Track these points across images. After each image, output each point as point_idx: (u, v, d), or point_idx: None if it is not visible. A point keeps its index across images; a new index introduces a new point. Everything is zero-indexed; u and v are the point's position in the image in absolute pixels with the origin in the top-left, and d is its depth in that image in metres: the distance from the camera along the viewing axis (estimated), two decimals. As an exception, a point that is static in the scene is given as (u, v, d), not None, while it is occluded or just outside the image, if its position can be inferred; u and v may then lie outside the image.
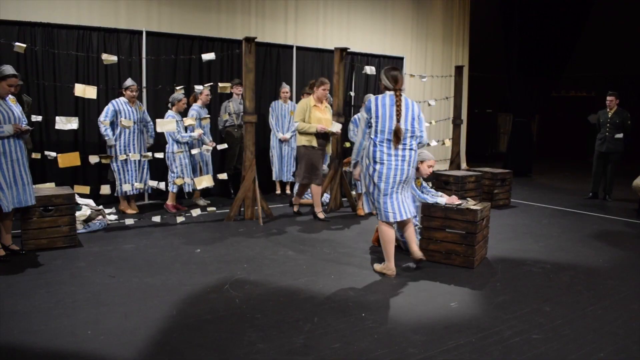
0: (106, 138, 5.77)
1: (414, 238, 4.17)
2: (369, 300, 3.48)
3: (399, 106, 3.85)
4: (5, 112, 4.12)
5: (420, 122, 3.98)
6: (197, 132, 6.27)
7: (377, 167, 3.88)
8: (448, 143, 8.53)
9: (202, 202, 6.76)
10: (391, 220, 3.97)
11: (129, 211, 6.03)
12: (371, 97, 4.01)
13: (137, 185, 5.89)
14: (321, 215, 5.99)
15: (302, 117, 5.80)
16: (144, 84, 6.69)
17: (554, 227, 5.91)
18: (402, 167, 3.90)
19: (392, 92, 3.92)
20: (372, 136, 3.90)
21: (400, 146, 3.88)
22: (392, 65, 8.96)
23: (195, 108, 6.43)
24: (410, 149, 3.93)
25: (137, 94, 5.99)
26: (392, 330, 3.01)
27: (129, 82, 5.90)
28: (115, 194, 5.95)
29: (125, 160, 5.80)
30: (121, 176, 5.86)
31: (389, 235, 4.01)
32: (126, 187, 5.81)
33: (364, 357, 2.68)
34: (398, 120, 3.84)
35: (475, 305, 3.45)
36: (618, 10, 12.72)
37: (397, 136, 3.82)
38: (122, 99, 5.86)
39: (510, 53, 10.94)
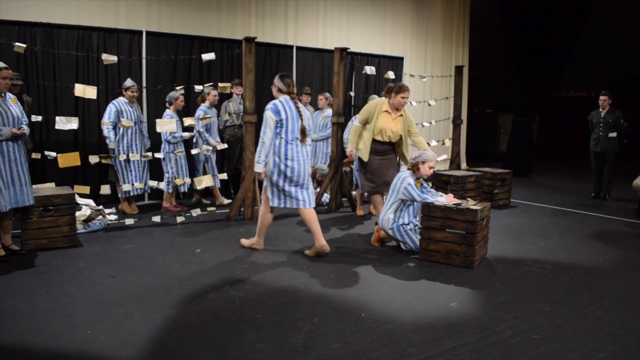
0: (108, 141, 5.76)
1: (319, 229, 4.49)
2: (369, 300, 3.47)
3: (298, 108, 4.33)
4: (4, 112, 4.11)
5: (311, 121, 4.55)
6: (188, 134, 6.28)
7: (289, 163, 4.29)
8: (448, 143, 8.53)
9: (223, 200, 6.77)
10: (301, 207, 4.42)
11: (129, 211, 6.02)
12: (276, 101, 4.33)
13: (138, 185, 5.89)
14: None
15: (364, 117, 5.20)
16: (144, 84, 6.69)
17: (554, 227, 5.91)
18: (306, 162, 4.40)
19: (287, 96, 4.36)
20: (283, 136, 4.27)
21: (305, 143, 4.37)
22: (392, 65, 9.01)
23: (203, 108, 6.44)
24: (309, 146, 4.45)
25: (137, 94, 6.00)
26: (392, 330, 3.01)
27: (129, 82, 5.90)
28: (119, 195, 5.95)
29: (128, 160, 5.80)
30: (124, 176, 5.86)
31: (269, 219, 4.57)
32: (126, 187, 5.81)
33: (364, 357, 2.68)
34: (302, 120, 4.30)
35: (475, 305, 3.45)
36: (618, 10, 12.72)
37: (304, 134, 4.31)
38: (122, 99, 5.86)
39: (510, 53, 10.94)
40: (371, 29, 10.02)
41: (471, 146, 13.20)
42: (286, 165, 4.28)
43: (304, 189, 4.42)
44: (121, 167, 5.83)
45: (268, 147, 4.27)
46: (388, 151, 5.32)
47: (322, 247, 4.43)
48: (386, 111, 5.17)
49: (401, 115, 5.23)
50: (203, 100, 6.56)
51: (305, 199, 4.43)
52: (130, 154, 5.76)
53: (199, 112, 6.41)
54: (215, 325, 3.04)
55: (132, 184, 5.86)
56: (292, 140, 4.28)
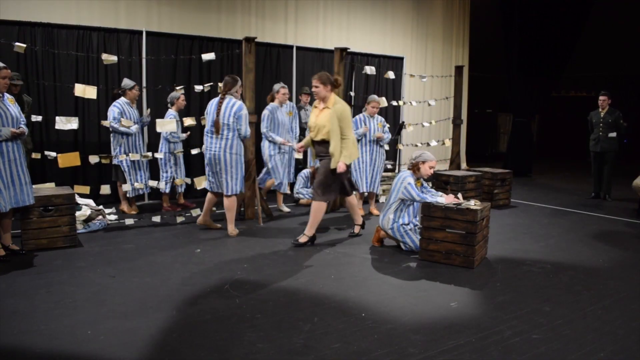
0: (133, 127, 5.80)
1: (233, 215, 5.24)
2: (369, 300, 3.48)
3: (220, 104, 5.00)
4: (3, 112, 4.11)
5: (239, 118, 5.00)
6: (185, 134, 6.29)
7: (206, 152, 5.13)
8: (448, 143, 8.53)
9: (283, 206, 6.56)
10: (213, 190, 5.22)
11: (129, 211, 6.02)
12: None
13: (139, 185, 5.89)
14: (302, 239, 4.90)
15: None
16: (144, 84, 6.69)
17: (554, 227, 5.91)
18: (217, 153, 5.03)
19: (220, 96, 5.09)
20: (206, 128, 5.14)
21: (219, 135, 4.99)
22: (392, 65, 9.02)
23: (270, 108, 6.22)
24: (226, 138, 5.01)
25: (139, 93, 6.01)
26: (392, 330, 3.01)
27: (130, 82, 5.88)
28: (128, 195, 5.95)
29: (133, 160, 5.81)
30: (131, 176, 5.87)
31: (213, 198, 5.29)
32: (126, 187, 5.80)
33: (364, 357, 2.68)
34: (217, 115, 4.97)
35: (475, 305, 3.45)
36: (618, 10, 12.72)
37: (215, 127, 4.98)
38: (123, 99, 5.85)
39: (510, 53, 10.94)
40: (371, 29, 10.02)
41: (471, 146, 13.20)
42: (205, 154, 5.15)
43: (218, 175, 5.11)
44: (128, 168, 5.84)
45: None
46: (324, 153, 4.86)
47: (231, 233, 5.22)
48: (315, 106, 4.91)
49: (327, 107, 4.75)
50: (272, 99, 6.28)
51: (214, 185, 5.21)
52: (130, 154, 5.76)
53: (266, 112, 6.15)
54: (215, 325, 3.04)
55: (132, 184, 5.85)
56: (208, 132, 5.09)
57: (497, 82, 14.56)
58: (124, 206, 6.02)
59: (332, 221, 5.98)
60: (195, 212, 5.80)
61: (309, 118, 7.58)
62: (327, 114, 4.74)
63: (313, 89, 4.81)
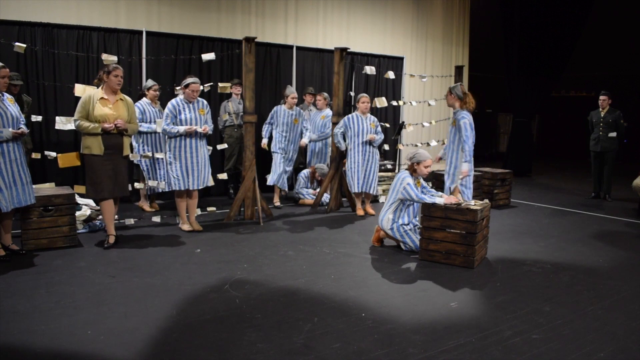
0: (156, 126, 5.90)
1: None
2: (369, 300, 3.48)
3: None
4: (2, 112, 4.11)
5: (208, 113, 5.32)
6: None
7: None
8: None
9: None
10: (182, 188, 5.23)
11: (148, 209, 6.19)
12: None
13: (160, 184, 5.91)
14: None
15: (83, 112, 4.65)
16: (144, 84, 6.68)
17: (554, 227, 5.91)
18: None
19: None
20: None
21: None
22: (392, 65, 9.02)
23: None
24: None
25: (158, 93, 6.11)
26: (392, 330, 3.01)
27: (149, 82, 6.03)
28: (147, 192, 6.14)
29: (154, 159, 5.90)
30: (152, 175, 5.97)
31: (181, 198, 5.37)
32: (152, 183, 5.75)
33: (364, 357, 2.68)
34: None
35: (475, 305, 3.45)
36: (618, 10, 12.73)
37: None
38: (144, 99, 5.99)
39: (510, 53, 10.94)
40: (371, 29, 10.02)
41: (471, 146, 13.17)
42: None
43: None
44: (147, 167, 5.94)
45: None
46: (117, 146, 4.69)
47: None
48: (104, 97, 4.55)
49: (121, 99, 4.64)
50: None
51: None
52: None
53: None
54: (215, 325, 3.04)
55: (146, 183, 5.90)
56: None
57: (497, 82, 14.56)
58: (144, 204, 6.12)
59: (333, 221, 5.98)
60: (211, 209, 5.87)
61: (310, 119, 7.61)
62: (124, 105, 4.67)
63: (119, 78, 4.54)
